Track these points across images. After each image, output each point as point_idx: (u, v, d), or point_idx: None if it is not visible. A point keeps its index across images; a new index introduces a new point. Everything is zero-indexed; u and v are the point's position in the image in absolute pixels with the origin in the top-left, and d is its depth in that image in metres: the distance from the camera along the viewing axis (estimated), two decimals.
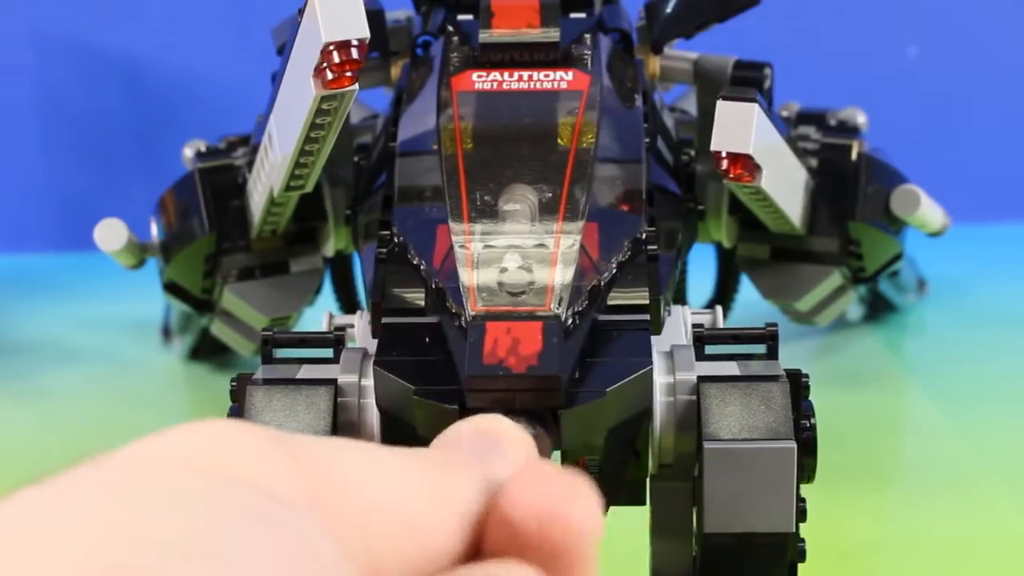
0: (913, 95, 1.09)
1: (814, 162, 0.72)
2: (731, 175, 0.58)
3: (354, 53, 0.52)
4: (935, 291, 0.96)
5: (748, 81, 0.68)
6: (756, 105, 0.57)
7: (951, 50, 1.09)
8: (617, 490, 0.51)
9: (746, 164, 0.58)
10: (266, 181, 0.62)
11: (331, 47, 0.51)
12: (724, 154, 0.58)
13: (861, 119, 0.77)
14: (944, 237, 0.80)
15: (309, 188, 0.60)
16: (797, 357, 0.84)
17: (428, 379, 0.48)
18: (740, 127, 0.57)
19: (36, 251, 1.09)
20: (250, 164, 0.66)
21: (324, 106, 0.53)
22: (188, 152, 0.74)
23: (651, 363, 0.49)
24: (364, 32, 0.51)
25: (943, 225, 0.78)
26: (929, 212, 0.75)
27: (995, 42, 1.10)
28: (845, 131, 0.75)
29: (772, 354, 0.52)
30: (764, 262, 0.73)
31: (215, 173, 0.70)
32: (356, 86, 0.52)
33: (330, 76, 0.52)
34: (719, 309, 0.55)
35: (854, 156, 0.73)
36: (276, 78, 0.58)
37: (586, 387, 0.48)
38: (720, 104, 0.57)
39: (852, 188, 0.73)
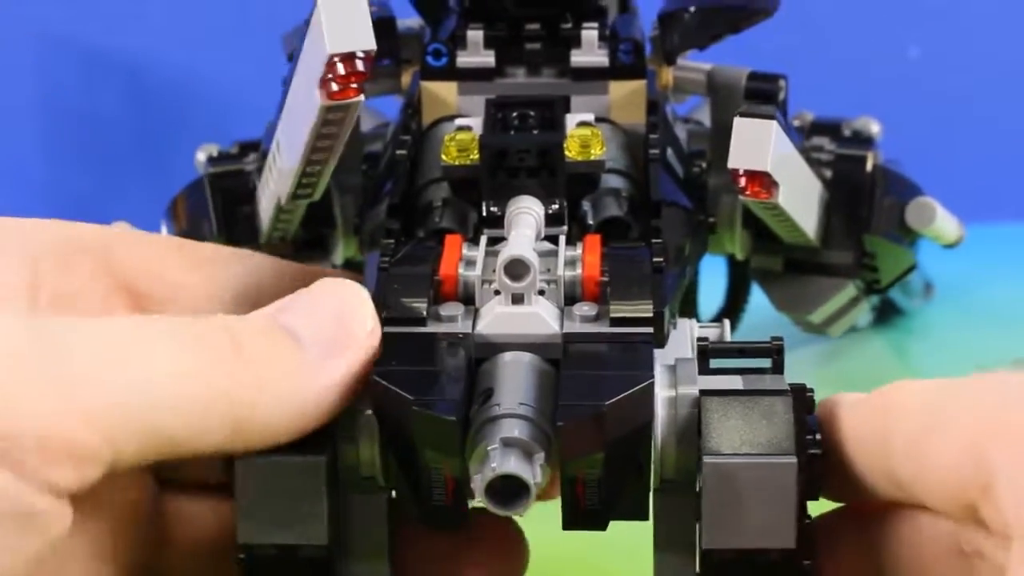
0: (915, 96, 1.09)
1: (828, 173, 0.71)
2: (748, 192, 0.58)
3: (359, 65, 0.50)
4: (941, 293, 0.95)
5: (762, 93, 0.68)
6: (774, 122, 0.57)
7: (953, 51, 1.09)
8: (618, 505, 0.50)
9: (763, 181, 0.58)
10: (274, 188, 0.61)
11: (336, 59, 0.50)
12: (741, 171, 0.57)
13: (875, 129, 0.76)
14: None
15: (316, 197, 0.59)
16: (804, 362, 0.84)
17: (427, 390, 0.48)
18: (758, 144, 0.57)
19: None
20: (260, 170, 0.65)
21: (330, 116, 0.52)
22: (201, 156, 0.73)
23: (652, 376, 0.48)
24: (370, 44, 0.50)
25: (958, 236, 0.77)
26: (944, 224, 0.75)
27: (997, 42, 1.10)
28: (859, 142, 0.74)
29: (777, 368, 0.51)
30: (778, 274, 0.73)
31: (225, 179, 0.70)
32: (361, 97, 0.51)
33: (335, 88, 0.51)
34: (726, 323, 0.55)
35: (869, 168, 0.73)
36: (285, 84, 0.58)
37: (585, 400, 0.47)
38: (737, 121, 0.57)
39: (867, 201, 0.72)
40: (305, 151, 0.55)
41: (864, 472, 0.48)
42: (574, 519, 0.50)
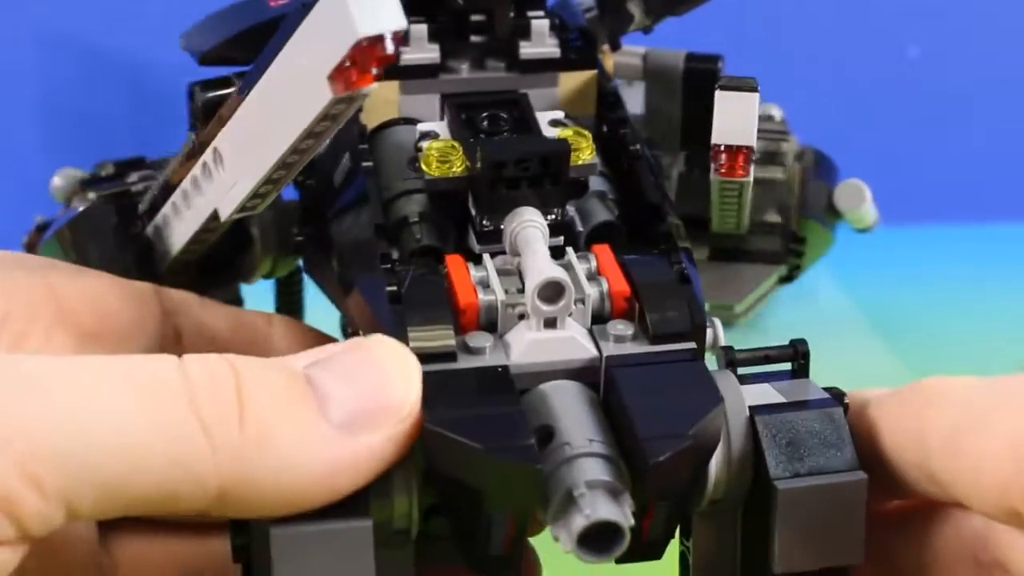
0: (915, 96, 1.09)
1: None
2: (726, 169, 0.55)
3: (389, 47, 0.44)
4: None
5: (702, 73, 0.66)
6: (757, 95, 0.53)
7: (952, 50, 1.09)
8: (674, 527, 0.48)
9: (746, 157, 0.54)
10: (203, 205, 0.56)
11: (364, 41, 0.44)
12: (723, 147, 0.54)
13: (778, 113, 0.75)
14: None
15: (262, 209, 0.54)
16: None
17: (493, 435, 0.43)
18: (742, 118, 0.53)
19: None
20: (167, 186, 0.59)
21: (332, 110, 0.47)
22: (60, 181, 0.68)
23: (721, 396, 0.46)
24: (401, 22, 0.44)
25: (874, 221, 0.77)
26: (869, 207, 0.75)
27: (996, 42, 1.09)
28: (776, 127, 0.73)
29: (803, 372, 0.49)
30: (702, 263, 0.71)
31: (118, 200, 0.64)
32: (376, 85, 0.46)
33: (354, 75, 0.45)
34: (718, 323, 0.52)
35: (793, 152, 0.72)
36: (244, 86, 0.51)
37: (665, 432, 0.44)
38: (720, 94, 0.53)
39: (800, 184, 0.71)
40: (281, 155, 0.50)
41: (899, 468, 0.47)
42: (634, 551, 0.46)
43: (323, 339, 0.58)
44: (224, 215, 0.54)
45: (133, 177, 0.65)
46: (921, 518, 0.49)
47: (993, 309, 0.95)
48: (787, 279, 0.74)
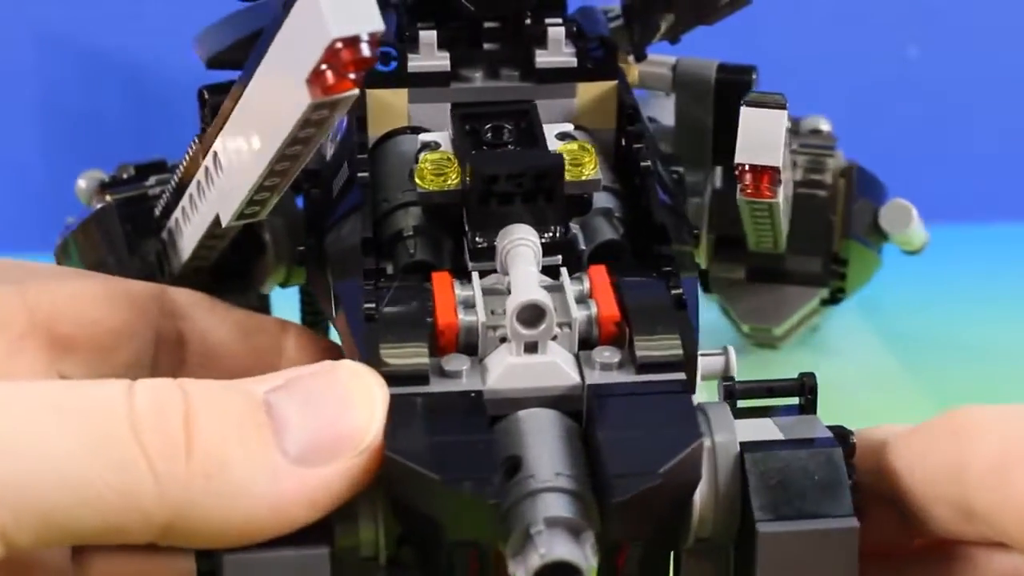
0: (914, 96, 1.09)
1: (798, 175, 0.67)
2: (752, 190, 0.52)
3: (365, 50, 0.42)
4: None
5: (735, 85, 0.64)
6: (786, 112, 0.51)
7: (952, 51, 1.09)
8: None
9: (772, 178, 0.52)
10: (206, 211, 0.54)
11: (338, 44, 0.42)
12: (747, 167, 0.52)
13: (826, 127, 0.73)
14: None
15: (263, 216, 0.52)
16: None
17: (454, 466, 0.41)
18: (769, 137, 0.51)
19: (36, 251, 1.08)
20: (179, 190, 0.57)
21: (314, 116, 0.45)
22: (84, 184, 0.68)
23: (701, 434, 0.43)
24: (378, 24, 0.42)
25: (924, 242, 0.75)
26: (917, 228, 0.73)
27: (995, 42, 1.09)
28: (823, 141, 0.71)
29: (811, 408, 0.47)
30: (740, 284, 0.69)
31: (132, 205, 0.64)
32: (356, 91, 0.44)
33: (330, 80, 0.43)
34: (731, 350, 0.50)
35: (840, 168, 0.70)
36: (237, 89, 0.50)
37: (636, 469, 0.42)
38: (745, 111, 0.51)
39: (844, 203, 0.69)
40: (269, 161, 0.48)
41: (927, 504, 0.45)
42: None
43: (338, 351, 0.57)
44: (224, 220, 0.53)
45: (151, 180, 0.65)
46: (945, 558, 0.48)
47: (994, 309, 0.95)
48: (830, 302, 0.72)
